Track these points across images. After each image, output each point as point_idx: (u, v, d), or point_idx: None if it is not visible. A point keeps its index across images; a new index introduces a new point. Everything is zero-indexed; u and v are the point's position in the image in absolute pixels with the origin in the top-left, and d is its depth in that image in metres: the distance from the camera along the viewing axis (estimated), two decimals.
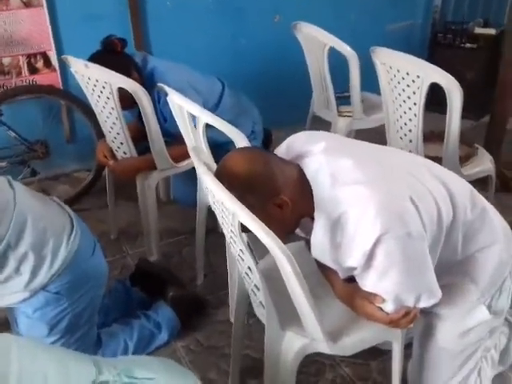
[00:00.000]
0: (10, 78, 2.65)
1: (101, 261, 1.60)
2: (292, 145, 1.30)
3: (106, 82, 1.86)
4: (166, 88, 1.69)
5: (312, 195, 1.16)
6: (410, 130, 2.03)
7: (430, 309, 1.40)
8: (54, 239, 1.42)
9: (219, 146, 2.30)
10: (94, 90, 1.96)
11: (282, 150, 1.30)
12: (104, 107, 1.98)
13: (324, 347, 1.23)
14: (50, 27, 2.64)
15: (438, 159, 2.06)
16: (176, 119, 1.72)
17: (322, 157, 1.20)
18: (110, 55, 1.95)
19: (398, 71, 1.93)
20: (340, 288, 1.29)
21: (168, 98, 1.63)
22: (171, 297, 1.82)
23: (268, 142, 2.78)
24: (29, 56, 2.65)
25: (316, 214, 1.17)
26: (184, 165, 2.13)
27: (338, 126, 2.64)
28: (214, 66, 2.94)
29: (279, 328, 1.26)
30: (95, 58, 1.94)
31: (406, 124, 2.04)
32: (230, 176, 1.13)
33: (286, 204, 1.15)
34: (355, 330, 1.26)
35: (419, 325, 1.45)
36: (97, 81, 1.90)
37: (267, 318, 1.24)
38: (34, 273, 1.39)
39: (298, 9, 3.19)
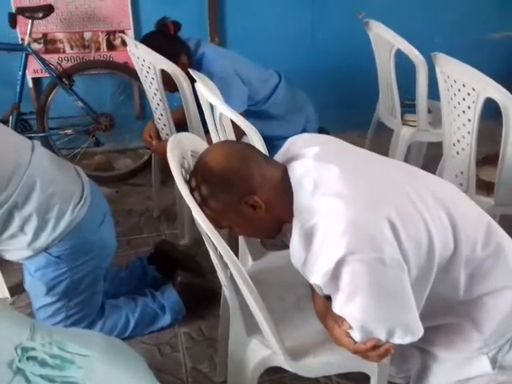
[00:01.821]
0: (89, 52, 2.82)
1: (108, 234, 1.65)
2: (291, 146, 1.25)
3: (150, 63, 1.91)
4: (197, 74, 1.69)
5: (292, 200, 1.11)
6: (463, 149, 1.85)
7: (428, 347, 1.28)
8: (59, 205, 1.49)
9: (269, 141, 2.30)
10: (142, 70, 2.03)
11: (282, 151, 1.27)
12: (150, 87, 2.04)
13: (284, 363, 1.16)
14: (130, 7, 2.76)
15: (491, 185, 1.86)
16: (203, 108, 1.72)
17: (310, 161, 1.14)
18: (161, 37, 2.00)
19: (455, 82, 1.76)
20: (319, 304, 1.21)
21: (195, 85, 1.64)
22: (179, 282, 1.84)
23: None
24: (108, 33, 2.80)
25: (294, 221, 1.11)
26: None
27: (401, 136, 2.48)
28: (286, 58, 2.95)
29: (245, 333, 1.22)
30: (146, 39, 2.00)
31: (459, 141, 1.86)
32: (203, 170, 1.12)
33: (259, 205, 1.11)
34: (324, 351, 1.18)
35: (416, 364, 1.33)
36: (144, 61, 1.96)
37: (232, 321, 1.21)
38: (37, 234, 1.48)
39: (385, 6, 3.02)
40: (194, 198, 1.13)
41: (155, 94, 2.03)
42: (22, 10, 2.48)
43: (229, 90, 2.00)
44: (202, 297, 1.91)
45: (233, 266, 1.05)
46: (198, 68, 2.04)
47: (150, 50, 1.88)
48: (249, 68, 2.17)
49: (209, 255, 1.24)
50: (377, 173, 1.12)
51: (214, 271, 1.29)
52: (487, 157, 1.94)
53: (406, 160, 2.57)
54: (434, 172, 1.81)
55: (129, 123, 2.95)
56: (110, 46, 2.82)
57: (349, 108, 3.11)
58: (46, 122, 2.72)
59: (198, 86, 1.58)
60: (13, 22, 2.47)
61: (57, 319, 1.61)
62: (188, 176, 1.17)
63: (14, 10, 2.56)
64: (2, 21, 2.48)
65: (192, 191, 1.13)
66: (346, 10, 3.03)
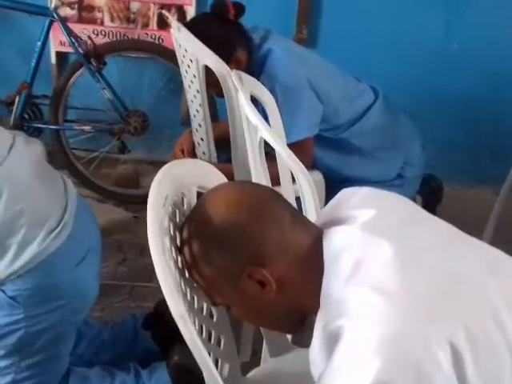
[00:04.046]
0: (134, 28, 2.93)
1: (86, 278, 1.64)
2: (341, 202, 1.20)
3: (192, 55, 1.93)
4: (246, 78, 1.67)
5: (321, 283, 1.05)
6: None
7: None
8: (26, 229, 1.51)
9: (343, 183, 2.24)
10: (182, 63, 2.05)
11: (328, 207, 1.22)
12: (189, 86, 2.06)
13: None
14: None
15: None
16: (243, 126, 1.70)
17: (357, 231, 1.08)
18: (214, 22, 2.02)
19: None
20: None
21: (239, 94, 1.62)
22: (175, 362, 1.80)
23: (433, 198, 2.63)
24: (162, 6, 2.89)
25: (318, 315, 1.05)
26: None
27: None
28: (395, 70, 2.95)
29: None
30: (193, 23, 2.03)
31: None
32: (199, 219, 1.09)
33: (269, 283, 1.05)
34: None
35: None
36: (186, 51, 1.99)
37: None
38: None
39: None
40: (183, 256, 1.10)
41: (195, 97, 2.04)
42: None
43: (294, 104, 1.98)
44: None
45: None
46: (260, 69, 2.04)
47: (193, 37, 1.90)
48: (332, 78, 2.13)
49: None
50: (448, 264, 1.03)
51: None
52: None
53: None
54: None
55: (168, 128, 3.02)
56: (162, 24, 2.91)
57: (479, 153, 3.04)
58: (62, 111, 2.83)
59: (240, 95, 1.57)
60: None
61: None
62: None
63: None
64: None
65: (181, 245, 1.11)
66: (493, 18, 2.94)
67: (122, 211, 2.87)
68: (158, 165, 3.28)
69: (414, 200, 2.54)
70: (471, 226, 2.57)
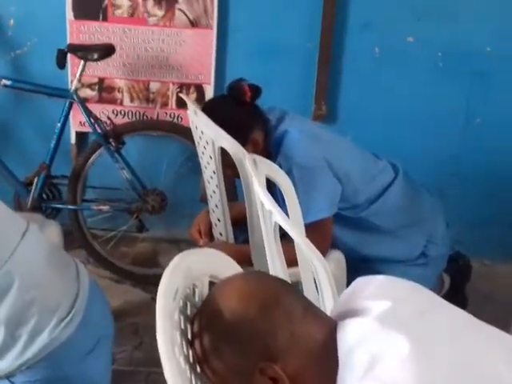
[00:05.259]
0: (153, 108, 3.00)
1: (97, 369, 1.62)
2: (355, 292, 1.19)
3: (208, 137, 1.96)
4: (262, 162, 1.68)
5: (336, 379, 1.03)
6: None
7: None
8: (37, 318, 1.50)
9: (363, 263, 2.22)
10: (199, 143, 2.09)
11: (342, 297, 1.21)
12: (206, 167, 2.09)
13: None
14: (214, 55, 2.92)
15: None
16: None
17: (372, 324, 1.06)
18: (232, 105, 2.06)
19: None
20: None
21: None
22: None
23: (462, 277, 2.59)
24: (181, 86, 2.97)
25: None
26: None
27: None
28: (421, 145, 2.97)
29: None
30: (211, 105, 2.07)
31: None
32: (210, 311, 1.09)
33: (282, 380, 1.04)
34: None
35: None
36: (202, 133, 2.02)
37: None
38: (0, 354, 1.50)
39: None
40: (194, 350, 1.10)
41: (211, 178, 2.07)
42: (74, 48, 2.72)
43: (312, 184, 1.99)
44: None
45: None
46: (276, 150, 2.06)
47: (208, 119, 1.94)
48: (351, 158, 2.15)
49: None
50: (465, 358, 1.01)
51: None
52: None
53: None
54: None
55: (187, 206, 3.03)
56: (181, 103, 2.98)
57: (508, 226, 3.02)
58: (80, 191, 2.87)
59: (254, 181, 1.58)
60: (62, 61, 2.69)
61: None
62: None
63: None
64: (50, 58, 2.73)
65: (192, 339, 1.10)
66: None
67: (140, 292, 2.86)
68: (177, 243, 3.30)
69: (441, 279, 2.51)
70: (503, 303, 2.52)
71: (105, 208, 2.86)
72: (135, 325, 2.60)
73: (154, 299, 2.99)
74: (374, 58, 2.93)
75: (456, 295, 2.47)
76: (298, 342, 1.05)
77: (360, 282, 1.21)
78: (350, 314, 1.11)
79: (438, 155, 2.95)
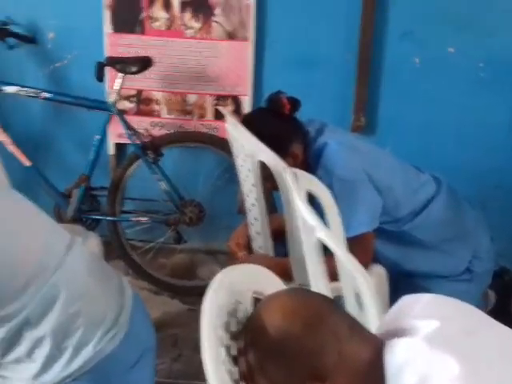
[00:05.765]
0: (191, 120, 3.03)
1: (143, 381, 1.63)
2: (403, 310, 1.18)
3: (248, 150, 1.98)
4: (303, 176, 1.69)
5: None
6: None
7: None
8: (83, 331, 1.52)
9: (407, 277, 2.20)
10: (237, 156, 2.10)
11: (389, 316, 1.21)
12: (245, 180, 2.10)
13: None
14: (251, 67, 2.94)
15: None
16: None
17: (420, 344, 1.05)
18: (268, 118, 2.07)
19: None
20: None
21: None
22: None
23: (507, 293, 2.57)
24: (218, 97, 2.99)
25: None
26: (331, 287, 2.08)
27: None
28: (462, 158, 2.95)
29: None
30: (250, 119, 2.09)
31: None
32: (255, 328, 1.10)
33: None
34: None
35: None
36: (242, 146, 2.04)
37: None
38: (46, 366, 1.51)
39: None
40: (239, 367, 1.10)
41: (250, 191, 2.08)
42: (112, 61, 2.76)
43: (353, 198, 1.98)
44: None
45: None
46: (316, 162, 2.06)
47: (248, 133, 1.95)
48: (391, 170, 2.13)
49: None
50: None
51: None
52: None
53: None
54: None
55: (225, 217, 3.05)
56: (218, 114, 3.00)
57: None
58: (119, 202, 2.92)
59: (295, 195, 1.59)
60: (100, 74, 2.74)
61: None
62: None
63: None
64: (89, 71, 2.78)
65: (237, 356, 1.11)
66: None
67: (178, 303, 2.88)
68: (214, 255, 3.32)
69: (486, 295, 2.48)
70: None
71: (143, 219, 2.90)
72: (174, 336, 2.62)
73: (191, 310, 3.04)
74: (414, 68, 2.92)
75: (502, 312, 2.43)
76: (345, 361, 1.05)
77: (407, 299, 1.20)
78: (397, 333, 1.10)
79: (480, 167, 2.92)
